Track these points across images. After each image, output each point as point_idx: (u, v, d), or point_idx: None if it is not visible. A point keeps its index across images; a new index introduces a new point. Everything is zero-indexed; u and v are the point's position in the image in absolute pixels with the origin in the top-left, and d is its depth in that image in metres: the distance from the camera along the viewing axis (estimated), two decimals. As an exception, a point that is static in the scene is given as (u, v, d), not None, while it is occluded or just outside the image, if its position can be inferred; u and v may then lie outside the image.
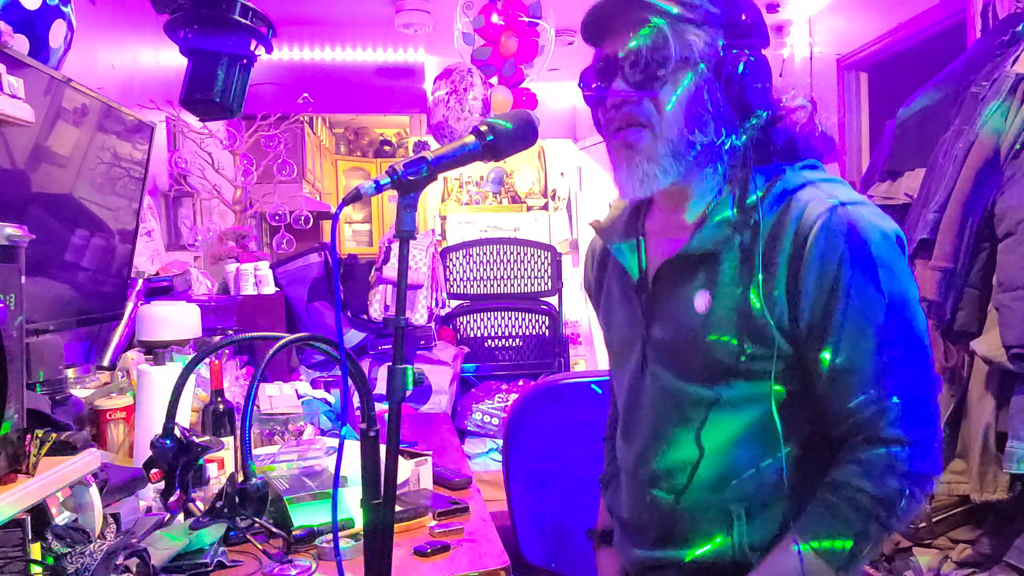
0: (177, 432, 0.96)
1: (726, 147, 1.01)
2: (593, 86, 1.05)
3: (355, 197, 0.82)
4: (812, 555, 0.95)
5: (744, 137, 1.01)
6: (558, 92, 5.79)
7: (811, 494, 0.99)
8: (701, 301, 1.01)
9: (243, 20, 2.38)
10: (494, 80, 3.72)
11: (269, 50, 2.57)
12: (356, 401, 0.94)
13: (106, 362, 2.17)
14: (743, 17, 1.00)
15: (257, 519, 1.36)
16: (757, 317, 0.96)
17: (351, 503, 1.46)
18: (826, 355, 0.96)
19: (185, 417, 1.74)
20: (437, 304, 3.76)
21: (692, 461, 1.04)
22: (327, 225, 6.03)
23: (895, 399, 0.94)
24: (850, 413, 0.96)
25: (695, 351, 1.01)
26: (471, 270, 4.25)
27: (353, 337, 3.41)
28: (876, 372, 0.95)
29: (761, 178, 1.01)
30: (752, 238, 0.98)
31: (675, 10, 0.98)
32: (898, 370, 0.94)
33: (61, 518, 1.24)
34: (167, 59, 3.30)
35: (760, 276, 0.96)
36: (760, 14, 1.04)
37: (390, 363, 0.84)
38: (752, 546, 1.01)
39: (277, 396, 2.20)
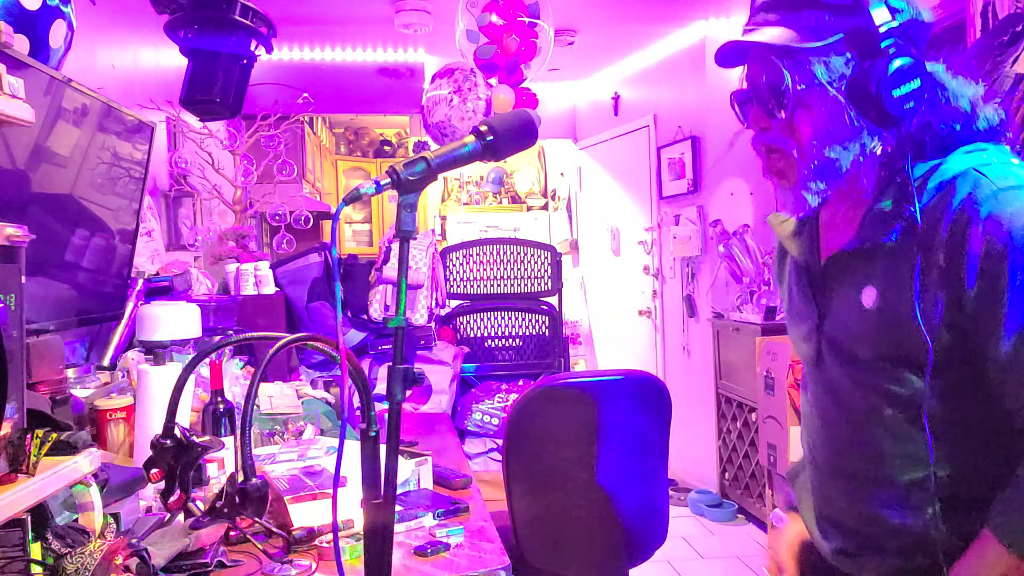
0: (177, 432, 0.96)
1: (878, 151, 1.01)
2: (739, 111, 1.09)
3: (355, 197, 0.83)
4: (1012, 554, 0.91)
5: (897, 139, 1.00)
6: (558, 92, 5.78)
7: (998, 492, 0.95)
8: (868, 297, 1.00)
9: (243, 20, 2.39)
10: (493, 80, 3.71)
11: (269, 50, 2.57)
12: (356, 401, 0.94)
13: (106, 362, 2.17)
14: (876, 29, 0.97)
15: (257, 519, 1.37)
16: (918, 313, 0.94)
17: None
18: (995, 347, 0.92)
19: (185, 417, 1.74)
20: (437, 304, 3.76)
21: (867, 457, 1.03)
22: (327, 225, 6.03)
23: None
24: None
25: (864, 348, 1.01)
26: (471, 270, 4.25)
27: (353, 337, 3.41)
28: None
29: (919, 170, 0.99)
30: (910, 231, 0.97)
31: (792, 42, 0.98)
32: None
33: (61, 518, 1.24)
34: (167, 59, 3.30)
35: (918, 270, 0.94)
36: (914, 20, 0.99)
37: (390, 363, 0.84)
38: (948, 547, 0.97)
39: (277, 396, 2.20)
